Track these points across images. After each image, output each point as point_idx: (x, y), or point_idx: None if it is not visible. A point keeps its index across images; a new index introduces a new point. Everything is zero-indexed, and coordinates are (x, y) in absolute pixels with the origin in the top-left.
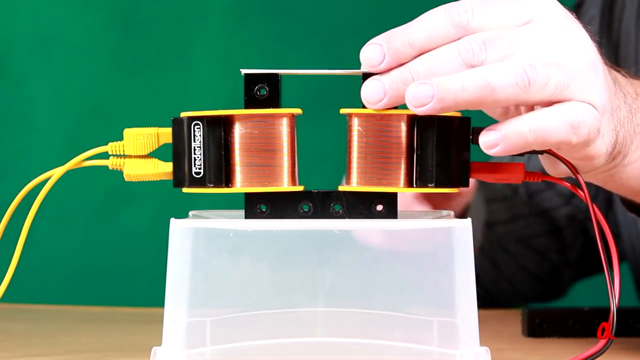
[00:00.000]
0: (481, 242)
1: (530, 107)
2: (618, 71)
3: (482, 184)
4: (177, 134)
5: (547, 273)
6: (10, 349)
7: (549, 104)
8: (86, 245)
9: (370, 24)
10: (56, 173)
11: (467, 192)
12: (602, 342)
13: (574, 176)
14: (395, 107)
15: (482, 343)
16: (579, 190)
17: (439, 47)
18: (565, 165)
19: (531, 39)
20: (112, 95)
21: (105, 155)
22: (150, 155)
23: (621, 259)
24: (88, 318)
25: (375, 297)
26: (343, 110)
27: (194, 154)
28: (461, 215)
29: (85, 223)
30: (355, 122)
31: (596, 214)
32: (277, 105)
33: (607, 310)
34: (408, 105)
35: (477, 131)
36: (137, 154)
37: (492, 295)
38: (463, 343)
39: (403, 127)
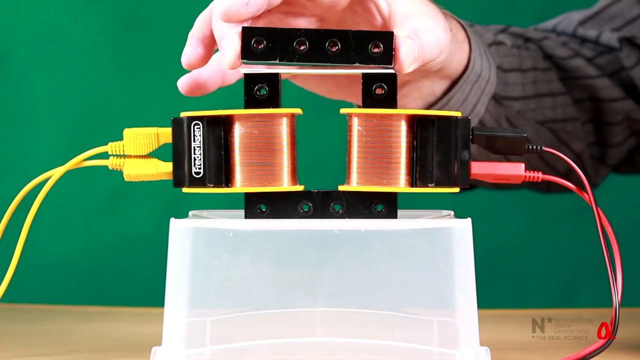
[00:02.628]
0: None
1: None
2: None
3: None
4: (177, 134)
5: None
6: (10, 349)
7: None
8: (86, 245)
9: None
10: (56, 173)
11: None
12: (600, 341)
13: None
14: (396, 107)
15: (482, 343)
16: (584, 193)
17: None
18: (566, 162)
19: None
20: (112, 95)
21: (105, 155)
22: (150, 155)
23: None
24: (88, 318)
25: (375, 297)
26: (343, 110)
27: (194, 154)
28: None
29: (85, 223)
30: (355, 122)
31: (600, 215)
32: (277, 105)
33: None
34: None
35: (477, 131)
36: (137, 154)
37: None
38: (463, 343)
39: (403, 127)
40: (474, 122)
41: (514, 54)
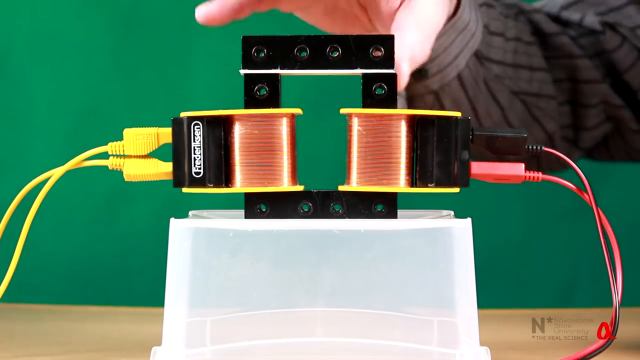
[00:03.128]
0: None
1: None
2: None
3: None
4: (177, 134)
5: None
6: (10, 349)
7: None
8: (86, 245)
9: None
10: (56, 173)
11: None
12: (600, 341)
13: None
14: (396, 108)
15: (482, 343)
16: (584, 193)
17: None
18: (564, 160)
19: None
20: (112, 95)
21: (105, 155)
22: (150, 155)
23: None
24: (88, 318)
25: (375, 297)
26: (343, 110)
27: (194, 154)
28: None
29: (85, 223)
30: (355, 122)
31: (600, 215)
32: (277, 105)
33: None
34: None
35: (477, 131)
36: (137, 154)
37: None
38: (463, 343)
39: (403, 127)
40: (452, 75)
41: (500, 19)
